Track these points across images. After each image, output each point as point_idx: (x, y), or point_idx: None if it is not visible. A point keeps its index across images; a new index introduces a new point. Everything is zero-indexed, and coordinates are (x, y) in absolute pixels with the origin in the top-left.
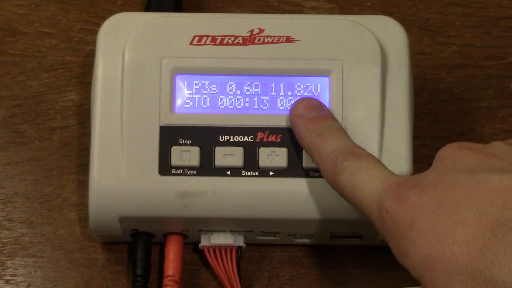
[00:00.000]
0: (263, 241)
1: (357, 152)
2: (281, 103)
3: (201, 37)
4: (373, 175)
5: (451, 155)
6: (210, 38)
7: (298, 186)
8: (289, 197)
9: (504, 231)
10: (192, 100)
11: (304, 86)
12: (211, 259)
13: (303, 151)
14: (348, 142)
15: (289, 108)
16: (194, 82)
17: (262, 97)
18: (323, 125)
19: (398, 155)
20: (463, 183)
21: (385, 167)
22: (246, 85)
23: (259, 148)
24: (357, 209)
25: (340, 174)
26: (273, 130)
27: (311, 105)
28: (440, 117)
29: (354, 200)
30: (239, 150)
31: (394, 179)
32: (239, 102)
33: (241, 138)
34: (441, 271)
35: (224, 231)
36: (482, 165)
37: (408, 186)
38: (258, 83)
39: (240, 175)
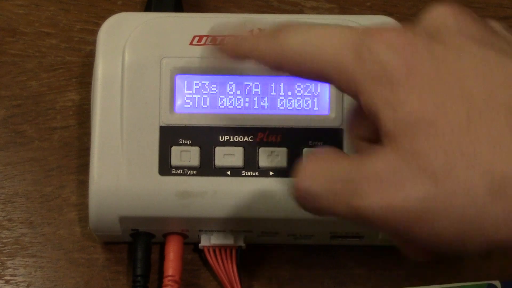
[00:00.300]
0: (263, 241)
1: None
2: (281, 103)
3: (201, 37)
4: (335, 27)
5: (454, 17)
6: (210, 38)
7: None
8: (289, 197)
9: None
10: (192, 100)
11: (304, 86)
12: (211, 259)
13: (303, 151)
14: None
15: (289, 108)
16: (194, 82)
17: (262, 97)
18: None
19: None
20: (472, 52)
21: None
22: (246, 85)
23: (259, 148)
24: (310, 76)
25: (287, 36)
26: (273, 130)
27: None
28: None
29: (311, 55)
30: (239, 150)
31: (369, 26)
32: (239, 102)
33: (241, 138)
34: (427, 134)
35: (224, 231)
36: (490, 43)
37: (392, 27)
38: (258, 83)
39: (240, 175)
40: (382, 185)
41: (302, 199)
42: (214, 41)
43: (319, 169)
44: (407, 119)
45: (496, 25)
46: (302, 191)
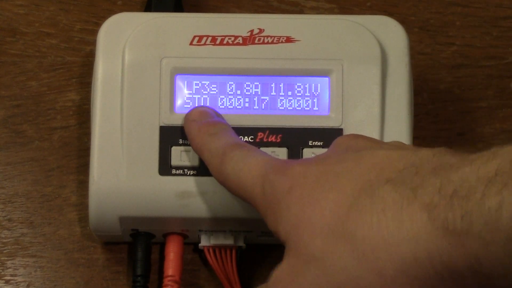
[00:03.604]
0: (263, 241)
1: (247, 145)
2: (281, 103)
3: (201, 37)
4: (260, 159)
5: (347, 141)
6: (210, 38)
7: None
8: None
9: (374, 189)
10: (192, 100)
11: (304, 86)
12: (211, 259)
13: (303, 150)
14: (238, 139)
15: (289, 108)
16: (194, 82)
17: (262, 97)
18: (215, 128)
19: None
20: (350, 158)
21: (256, 150)
22: (246, 85)
23: (259, 148)
24: (241, 198)
25: (226, 164)
26: (273, 130)
27: (205, 111)
28: (440, 117)
29: (238, 185)
30: None
31: (280, 160)
32: (239, 102)
33: (241, 138)
34: (306, 232)
35: (224, 231)
36: (373, 145)
37: (295, 161)
38: (258, 83)
39: None
40: (284, 283)
41: None
42: (214, 41)
43: None
44: (292, 224)
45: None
46: None
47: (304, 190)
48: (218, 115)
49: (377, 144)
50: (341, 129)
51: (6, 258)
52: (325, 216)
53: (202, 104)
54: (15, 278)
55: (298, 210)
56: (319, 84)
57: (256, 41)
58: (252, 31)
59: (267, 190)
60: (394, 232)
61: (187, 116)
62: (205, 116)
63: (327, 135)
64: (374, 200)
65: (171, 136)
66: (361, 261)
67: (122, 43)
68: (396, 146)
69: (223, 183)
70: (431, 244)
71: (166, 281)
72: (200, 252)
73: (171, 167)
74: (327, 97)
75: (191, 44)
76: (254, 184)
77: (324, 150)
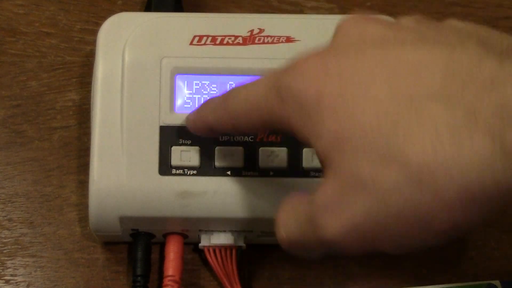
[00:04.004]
0: (263, 241)
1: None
2: None
3: (201, 37)
4: (263, 78)
5: (356, 26)
6: (210, 38)
7: (298, 186)
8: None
9: (419, 105)
10: (192, 100)
11: None
12: (211, 259)
13: (303, 150)
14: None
15: None
16: (194, 82)
17: None
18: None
19: None
20: (372, 54)
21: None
22: None
23: (259, 148)
24: (261, 128)
25: (229, 102)
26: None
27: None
28: None
29: (251, 110)
30: (239, 150)
31: (288, 63)
32: None
33: (241, 138)
34: (349, 153)
35: (224, 231)
36: (392, 37)
37: (306, 57)
38: None
39: (240, 175)
40: (333, 211)
41: (286, 247)
42: (214, 40)
43: (288, 218)
44: (330, 141)
45: (408, 19)
46: (283, 241)
47: (333, 97)
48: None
49: (396, 33)
50: None
51: (6, 258)
52: (367, 134)
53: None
54: (15, 278)
55: (334, 124)
56: None
57: (256, 41)
58: (252, 31)
59: (285, 97)
60: (454, 158)
61: (187, 127)
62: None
63: None
64: (422, 119)
65: (171, 136)
66: (419, 186)
67: (122, 43)
68: (420, 36)
69: (236, 124)
70: (498, 170)
71: (166, 281)
72: (200, 252)
73: (171, 167)
74: None
75: (191, 44)
76: (267, 98)
77: None
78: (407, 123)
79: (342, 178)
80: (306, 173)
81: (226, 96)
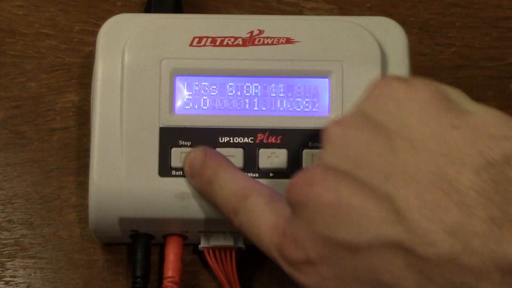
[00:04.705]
0: None
1: (245, 194)
2: (281, 104)
3: (200, 38)
4: (260, 230)
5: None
6: (210, 39)
7: None
8: None
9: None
10: (192, 101)
11: (304, 87)
12: (210, 260)
13: (303, 152)
14: (232, 181)
15: (289, 109)
16: (194, 83)
17: (262, 98)
18: (207, 175)
19: None
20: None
21: (271, 200)
22: (246, 86)
23: (259, 149)
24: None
25: (239, 227)
26: (273, 132)
27: (192, 161)
28: None
29: (257, 244)
30: (239, 152)
31: (278, 228)
32: (239, 103)
33: (241, 140)
34: None
35: (224, 232)
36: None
37: (288, 245)
38: (258, 84)
39: None
40: None
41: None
42: (214, 42)
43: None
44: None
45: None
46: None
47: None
48: (205, 150)
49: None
50: None
51: (5, 259)
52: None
53: (202, 106)
54: (15, 279)
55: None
56: (319, 85)
57: (256, 42)
58: (252, 32)
59: (294, 277)
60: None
61: (185, 173)
62: (194, 165)
63: None
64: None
65: (171, 137)
66: None
67: (122, 44)
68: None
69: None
70: None
71: (165, 282)
72: (199, 253)
73: (171, 168)
74: (327, 98)
75: (191, 45)
76: (271, 252)
77: None
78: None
79: None
80: None
81: (234, 212)
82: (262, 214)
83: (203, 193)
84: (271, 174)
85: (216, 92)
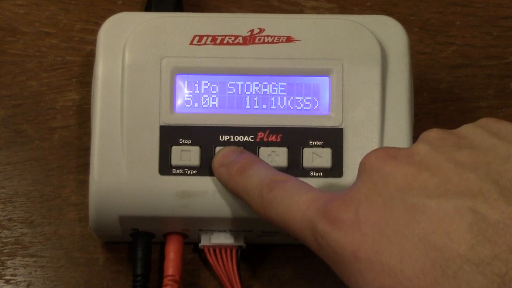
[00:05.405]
0: (263, 241)
1: (279, 179)
2: (281, 102)
3: (201, 36)
4: (299, 200)
5: (378, 168)
6: (210, 38)
7: None
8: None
9: (454, 267)
10: (192, 100)
11: (305, 85)
12: (211, 259)
13: (303, 150)
14: (268, 171)
15: (290, 107)
16: (195, 81)
17: (262, 97)
18: (242, 164)
19: None
20: (399, 207)
21: (309, 185)
22: (246, 84)
23: (259, 147)
24: (293, 237)
25: (269, 208)
26: (273, 130)
27: (227, 152)
28: (440, 117)
29: (288, 229)
30: None
31: (321, 199)
32: (239, 101)
33: (241, 138)
34: None
35: (224, 231)
36: (414, 184)
37: (337, 205)
38: (258, 82)
39: None
40: None
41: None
42: (214, 40)
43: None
44: None
45: (425, 150)
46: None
47: (369, 253)
48: (242, 150)
49: (417, 177)
50: (341, 129)
51: (6, 257)
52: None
53: (202, 104)
54: (15, 277)
55: (375, 279)
56: (319, 84)
57: (256, 41)
58: (252, 30)
59: (324, 246)
60: None
61: (213, 164)
62: (228, 157)
63: (327, 135)
64: (458, 282)
65: (171, 135)
66: None
67: (122, 42)
68: (441, 188)
69: (273, 224)
70: None
71: (166, 280)
72: (200, 251)
73: (171, 167)
74: (327, 96)
75: (191, 43)
76: (304, 232)
77: (324, 150)
78: (446, 285)
79: None
80: (306, 172)
81: (265, 196)
82: (300, 191)
83: (229, 181)
84: None
85: (217, 90)
